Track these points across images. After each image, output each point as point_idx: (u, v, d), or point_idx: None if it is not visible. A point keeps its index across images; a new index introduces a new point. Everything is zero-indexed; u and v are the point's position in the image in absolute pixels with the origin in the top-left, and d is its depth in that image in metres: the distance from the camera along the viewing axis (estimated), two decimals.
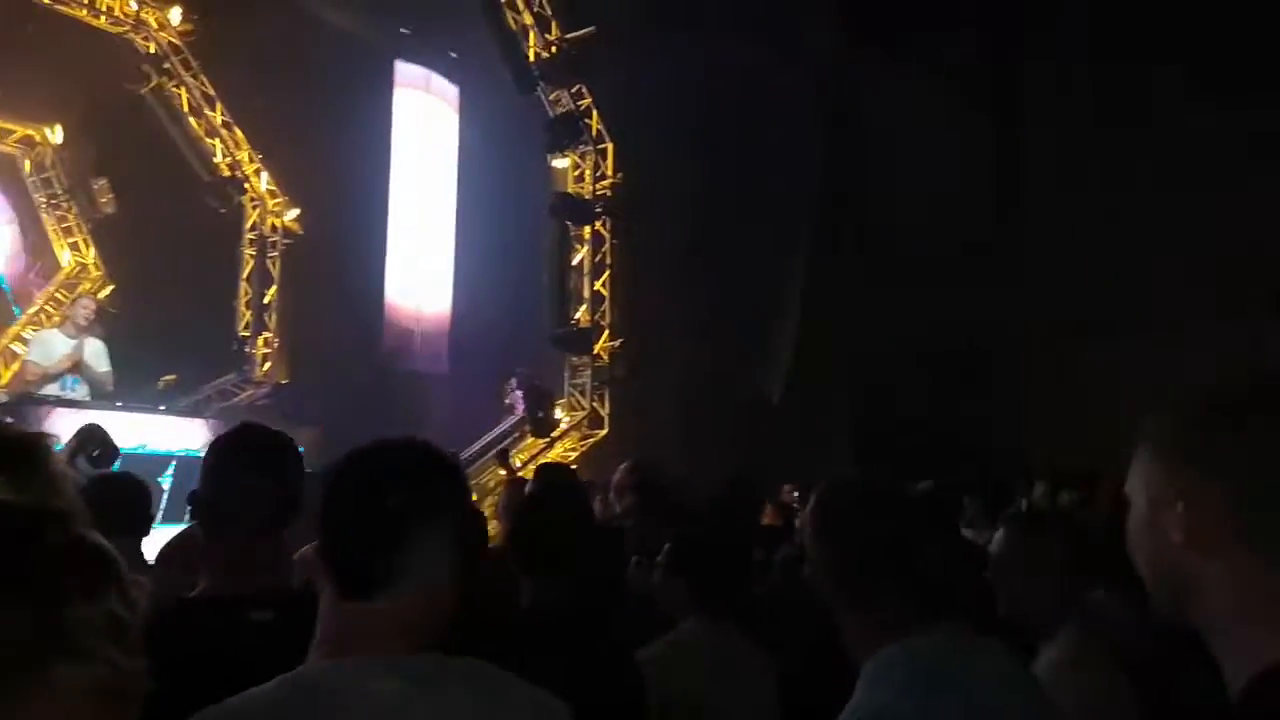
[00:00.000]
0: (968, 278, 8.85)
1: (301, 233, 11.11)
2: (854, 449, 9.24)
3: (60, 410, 7.08)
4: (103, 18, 10.04)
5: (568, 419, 8.47)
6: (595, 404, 8.58)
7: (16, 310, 10.72)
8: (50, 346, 7.25)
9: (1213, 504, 0.81)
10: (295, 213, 11.06)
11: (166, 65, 10.42)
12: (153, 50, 10.34)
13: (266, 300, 11.00)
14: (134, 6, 10.09)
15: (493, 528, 3.98)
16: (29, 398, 7.13)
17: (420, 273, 11.72)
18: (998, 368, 9.01)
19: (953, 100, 9.11)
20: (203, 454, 2.17)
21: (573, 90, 8.72)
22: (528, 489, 3.80)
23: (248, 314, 10.90)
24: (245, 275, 10.99)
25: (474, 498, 7.63)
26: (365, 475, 1.28)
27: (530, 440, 8.18)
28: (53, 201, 11.06)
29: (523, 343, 9.58)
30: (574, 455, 8.51)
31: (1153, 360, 7.60)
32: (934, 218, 8.83)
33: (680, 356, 9.24)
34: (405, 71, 11.77)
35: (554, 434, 8.19)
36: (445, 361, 11.53)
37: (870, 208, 9.30)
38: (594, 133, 8.90)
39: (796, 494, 6.61)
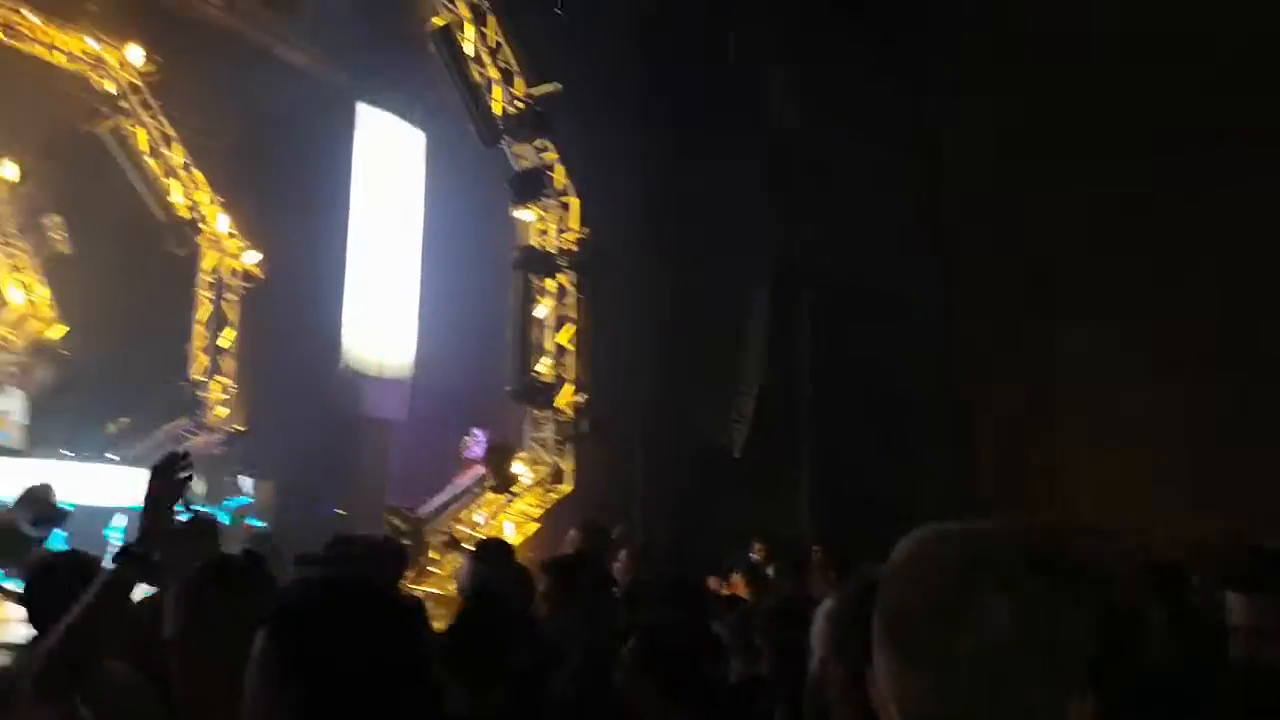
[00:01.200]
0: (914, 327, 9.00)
1: (263, 277, 10.98)
2: (813, 502, 9.31)
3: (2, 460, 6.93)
4: (60, 54, 9.89)
5: (530, 474, 8.41)
6: (558, 459, 8.54)
7: None
8: None
9: None
10: (255, 256, 10.93)
11: (124, 104, 10.29)
12: (111, 89, 10.20)
13: (222, 344, 10.82)
14: (93, 44, 9.96)
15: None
16: None
17: (381, 320, 11.61)
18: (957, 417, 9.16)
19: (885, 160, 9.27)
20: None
21: (537, 144, 8.77)
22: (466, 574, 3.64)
23: (203, 358, 10.72)
24: (202, 319, 10.81)
25: (433, 555, 7.56)
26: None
27: (490, 495, 8.10)
28: (4, 239, 10.81)
29: (484, 395, 9.52)
30: (536, 511, 8.46)
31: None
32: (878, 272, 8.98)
33: (642, 410, 9.26)
34: (369, 116, 11.71)
35: (515, 489, 8.12)
36: (405, 410, 11.40)
37: (830, 263, 9.43)
38: (558, 187, 8.95)
39: (761, 556, 6.60)
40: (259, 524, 8.16)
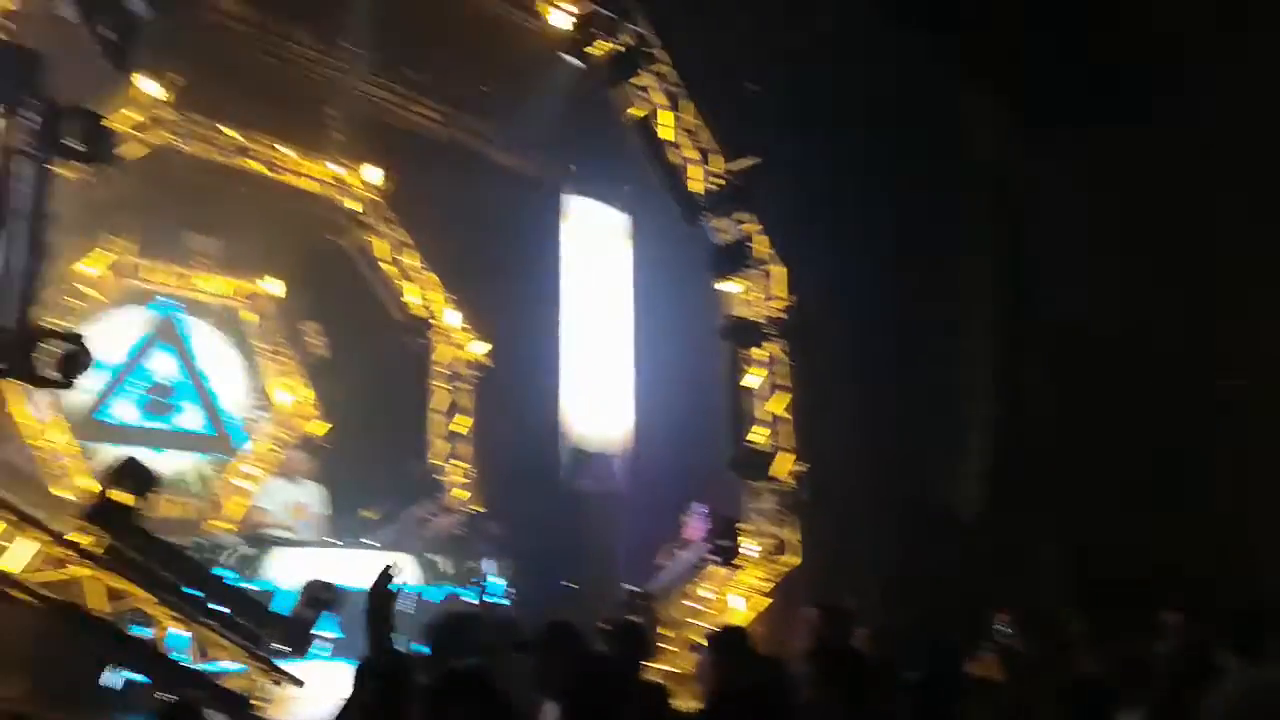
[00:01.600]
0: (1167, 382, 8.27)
1: (490, 364, 11.73)
2: (1062, 565, 8.67)
3: (286, 550, 7.70)
4: (310, 180, 11.16)
5: (754, 547, 8.36)
6: (781, 530, 8.45)
7: (243, 437, 11.80)
8: (275, 494, 8.03)
9: None
10: (483, 346, 11.71)
11: (365, 218, 11.41)
12: (354, 206, 11.36)
13: (457, 430, 11.59)
14: (337, 169, 11.16)
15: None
16: (259, 539, 7.80)
17: (598, 396, 12.05)
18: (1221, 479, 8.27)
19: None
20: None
21: (737, 217, 8.91)
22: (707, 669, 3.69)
23: (441, 444, 11.51)
24: (438, 407, 11.65)
25: (666, 631, 7.63)
26: None
27: (716, 570, 8.11)
28: (271, 347, 12.19)
29: (702, 466, 9.62)
30: (766, 585, 8.37)
31: None
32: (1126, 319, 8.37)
33: (867, 478, 9.01)
34: (577, 204, 12.37)
35: (740, 563, 8.09)
36: (625, 483, 11.71)
37: (1058, 310, 8.92)
38: (760, 256, 9.02)
39: (1009, 629, 6.18)
40: (498, 594, 8.55)
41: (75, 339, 5.46)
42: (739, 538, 8.13)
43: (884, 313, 9.51)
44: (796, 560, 8.42)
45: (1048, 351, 9.12)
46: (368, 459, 10.80)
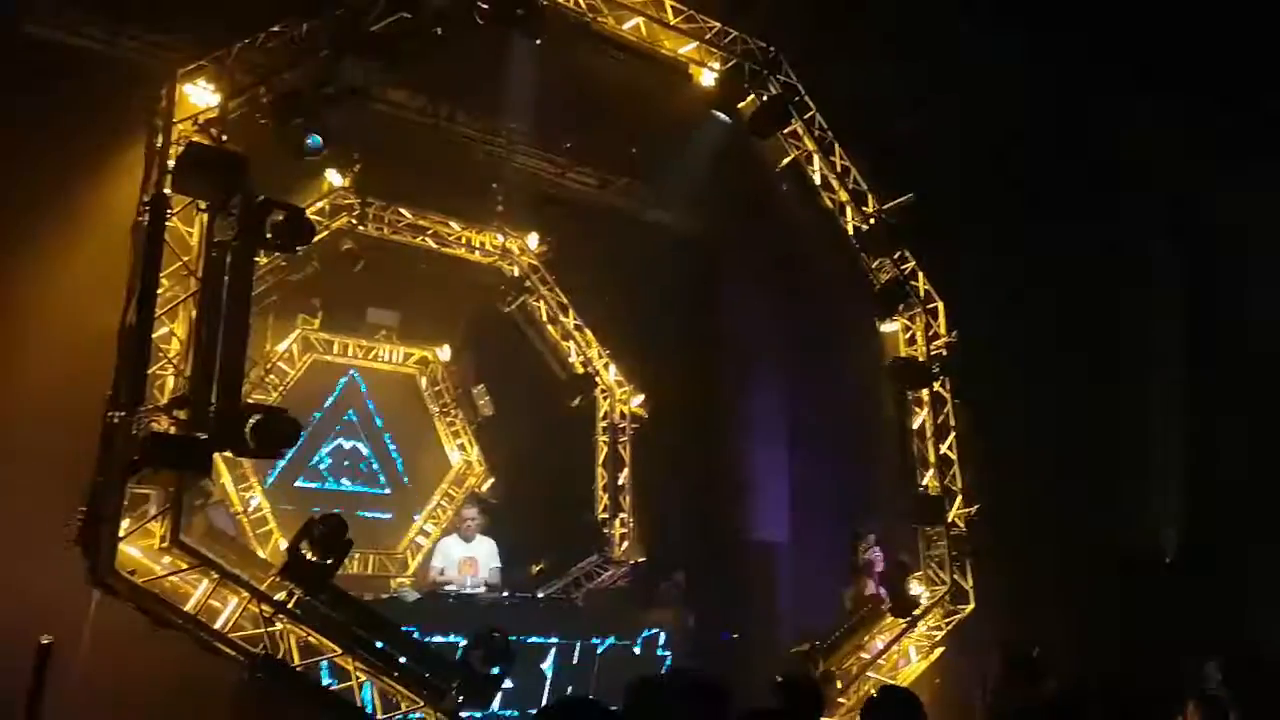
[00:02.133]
0: None
1: (646, 416, 11.92)
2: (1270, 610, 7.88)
3: (461, 604, 8.01)
4: (476, 252, 11.81)
5: (928, 595, 8.02)
6: (957, 577, 8.07)
7: (420, 497, 12.43)
8: (448, 552, 8.43)
9: None
10: (640, 399, 11.92)
11: (527, 283, 11.92)
12: (516, 272, 11.91)
13: (620, 483, 11.78)
14: (500, 239, 11.75)
15: None
16: (435, 594, 8.16)
17: (757, 443, 12.00)
18: None
19: None
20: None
21: (895, 256, 8.74)
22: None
23: (604, 497, 11.72)
24: (601, 461, 11.89)
25: (838, 685, 7.42)
26: None
27: (890, 620, 7.82)
28: (443, 410, 12.84)
29: (867, 514, 9.38)
30: (939, 634, 8.00)
31: None
32: None
33: (1047, 518, 8.54)
34: (728, 253, 12.51)
35: (916, 612, 7.77)
36: (785, 532, 11.56)
37: (1250, 342, 8.26)
38: (921, 294, 8.80)
39: (1220, 677, 5.69)
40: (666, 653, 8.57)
41: (280, 413, 5.90)
42: (912, 585, 7.81)
43: (1056, 347, 9.08)
44: (971, 607, 8.01)
45: (1240, 386, 8.44)
46: (535, 514, 11.14)
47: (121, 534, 5.54)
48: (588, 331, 12.04)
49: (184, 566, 5.79)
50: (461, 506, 9.33)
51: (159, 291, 5.85)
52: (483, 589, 8.28)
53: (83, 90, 7.76)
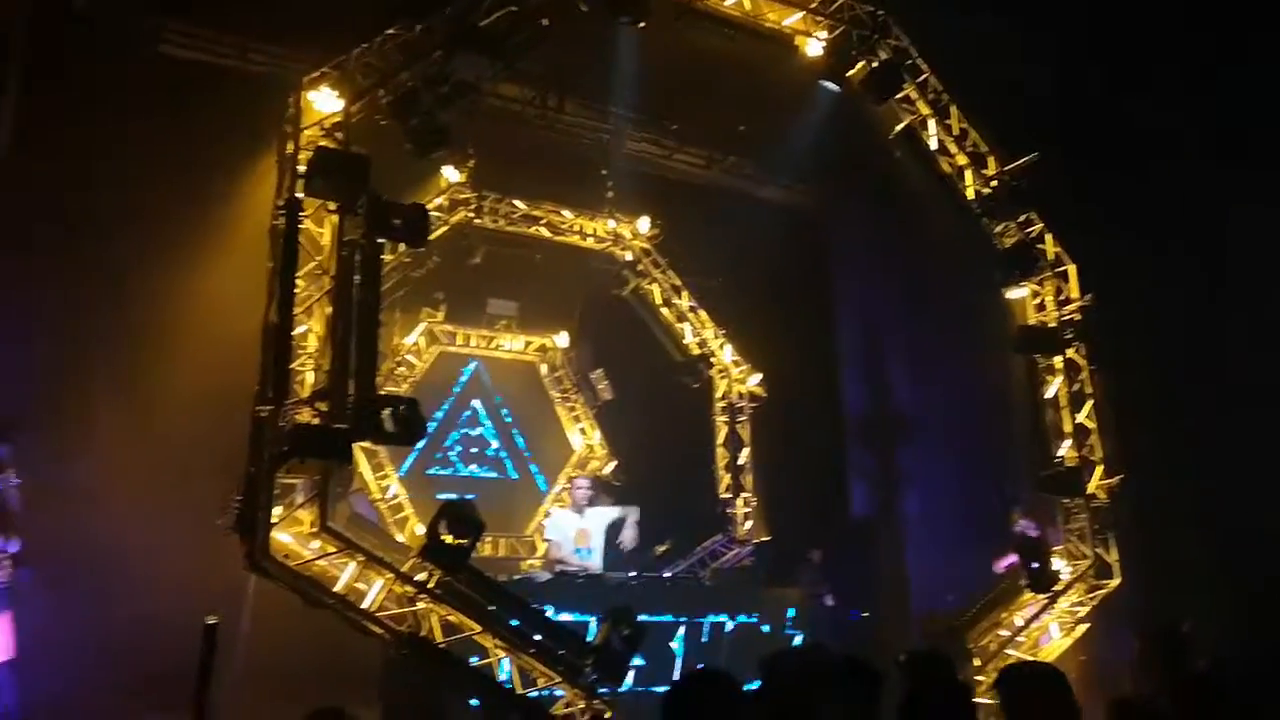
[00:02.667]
0: None
1: (765, 395, 11.84)
2: None
3: (588, 584, 8.17)
4: (589, 239, 11.95)
5: (1069, 570, 7.70)
6: (1100, 550, 7.72)
7: (546, 480, 12.75)
8: (562, 524, 8.62)
9: None
10: (757, 378, 11.85)
11: (640, 267, 12.00)
12: (629, 257, 12.00)
13: (740, 462, 11.75)
14: (612, 224, 11.86)
15: None
16: (560, 573, 8.34)
17: (880, 418, 11.76)
18: None
19: None
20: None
21: (1020, 220, 8.39)
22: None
23: (726, 477, 11.73)
24: (720, 441, 11.90)
25: (976, 662, 7.22)
26: None
27: (1029, 595, 7.55)
28: (563, 395, 13.09)
29: (999, 485, 9.08)
30: (1083, 610, 7.68)
31: None
32: None
33: (1194, 487, 8.07)
34: (841, 226, 12.28)
35: (1056, 588, 7.47)
36: (915, 505, 11.30)
37: None
38: (1050, 256, 8.42)
39: None
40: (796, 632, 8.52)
41: (413, 403, 6.14)
42: (1051, 560, 7.51)
43: (1199, 307, 8.55)
44: (1116, 582, 7.64)
45: None
46: (658, 495, 11.24)
47: (274, 521, 5.87)
48: (702, 312, 12.04)
49: (332, 550, 6.10)
50: (572, 485, 9.51)
51: (296, 291, 6.16)
52: (596, 561, 8.47)
53: (219, 104, 8.26)
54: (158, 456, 7.77)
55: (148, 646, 6.92)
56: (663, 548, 10.88)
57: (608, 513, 8.84)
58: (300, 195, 6.26)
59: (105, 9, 8.28)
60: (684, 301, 12.02)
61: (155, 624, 6.82)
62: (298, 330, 6.35)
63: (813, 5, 7.96)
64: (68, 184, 7.86)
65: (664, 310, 12.05)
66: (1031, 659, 6.98)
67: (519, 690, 6.21)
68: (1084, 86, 8.81)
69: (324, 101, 6.61)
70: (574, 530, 8.62)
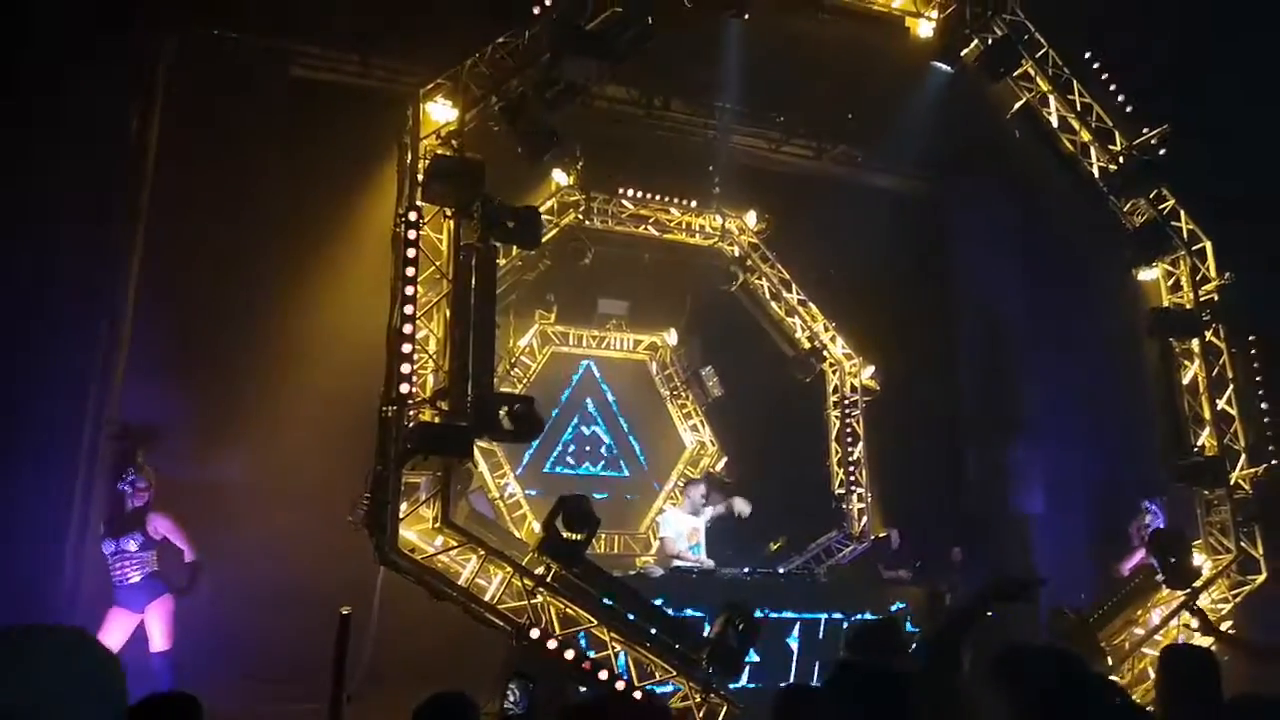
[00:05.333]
0: None
1: (878, 389, 11.60)
2: None
3: (698, 579, 8.20)
4: (697, 235, 11.95)
5: (1210, 565, 7.28)
6: (1244, 544, 7.26)
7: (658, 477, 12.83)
8: (675, 523, 8.70)
9: None
10: (870, 371, 11.62)
11: (748, 262, 11.93)
12: (737, 252, 11.94)
13: (854, 458, 11.54)
14: (719, 220, 11.83)
15: None
16: (675, 569, 8.40)
17: (1000, 409, 11.37)
18: None
19: None
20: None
21: (1151, 196, 7.96)
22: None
23: (840, 472, 11.54)
24: (833, 435, 11.72)
25: (1108, 661, 6.90)
26: None
27: (1166, 592, 7.16)
28: (674, 393, 13.13)
29: (1129, 478, 8.65)
30: (1226, 608, 7.24)
31: None
32: None
33: None
34: (961, 214, 11.93)
35: (1196, 584, 7.06)
36: (1040, 501, 10.87)
37: None
38: (1185, 235, 7.97)
39: None
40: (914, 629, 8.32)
41: (529, 401, 6.29)
42: (1191, 555, 7.11)
43: None
44: (1263, 577, 7.17)
45: None
46: (770, 491, 11.15)
47: (400, 516, 6.11)
48: (812, 306, 11.89)
49: (454, 545, 6.30)
50: (686, 486, 9.68)
51: (416, 295, 6.39)
52: (705, 558, 8.54)
53: (344, 119, 8.68)
54: (294, 457, 8.19)
55: (282, 638, 7.31)
56: (776, 544, 10.79)
57: (719, 512, 8.93)
58: (420, 202, 6.49)
59: (242, 42, 8.85)
60: (793, 295, 11.89)
61: (291, 616, 7.18)
62: (419, 334, 6.59)
63: None
64: (210, 209, 8.38)
65: (773, 304, 11.95)
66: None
67: (637, 684, 6.27)
68: (1209, 55, 8.29)
69: (439, 111, 6.85)
70: (688, 527, 8.69)
